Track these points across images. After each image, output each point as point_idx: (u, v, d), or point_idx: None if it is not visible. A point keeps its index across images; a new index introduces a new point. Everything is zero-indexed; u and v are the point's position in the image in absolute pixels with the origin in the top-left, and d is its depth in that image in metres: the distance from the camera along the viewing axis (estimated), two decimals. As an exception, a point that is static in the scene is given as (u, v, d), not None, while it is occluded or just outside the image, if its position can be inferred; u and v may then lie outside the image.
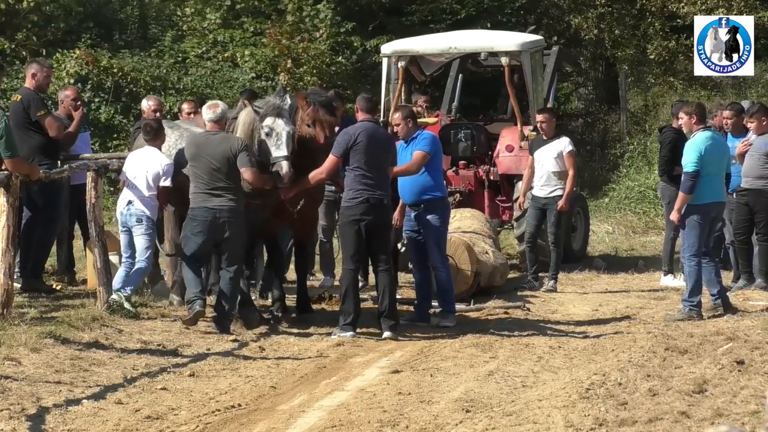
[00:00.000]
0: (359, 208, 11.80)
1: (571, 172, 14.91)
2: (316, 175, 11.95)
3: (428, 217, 12.59)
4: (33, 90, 13.41)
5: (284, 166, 11.62)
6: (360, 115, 12.15)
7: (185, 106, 14.81)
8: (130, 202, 12.27)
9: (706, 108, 13.57)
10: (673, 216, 12.74)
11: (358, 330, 11.91)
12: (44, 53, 24.32)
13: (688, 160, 12.57)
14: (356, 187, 11.82)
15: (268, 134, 11.76)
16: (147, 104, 14.50)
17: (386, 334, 11.80)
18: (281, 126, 11.73)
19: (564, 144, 15.00)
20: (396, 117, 12.82)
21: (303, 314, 12.73)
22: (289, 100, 11.97)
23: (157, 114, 14.07)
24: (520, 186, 15.58)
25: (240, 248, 11.87)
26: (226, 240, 11.73)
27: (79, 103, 14.32)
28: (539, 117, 15.29)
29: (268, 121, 11.78)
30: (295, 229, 12.87)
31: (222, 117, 11.98)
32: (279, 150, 11.69)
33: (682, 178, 12.66)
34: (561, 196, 14.85)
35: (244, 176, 11.65)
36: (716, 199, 12.84)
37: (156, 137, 12.50)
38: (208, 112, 12.06)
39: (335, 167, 11.93)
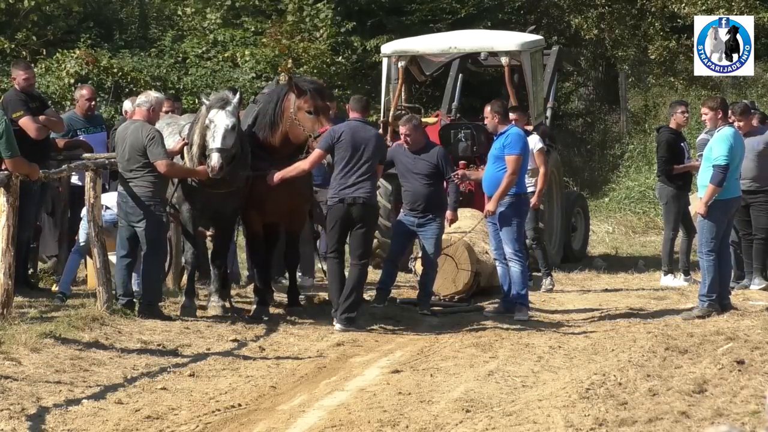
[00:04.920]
0: (338, 207, 12.08)
1: (542, 170, 14.78)
2: (299, 165, 12.24)
3: (502, 211, 12.84)
4: (20, 90, 13.13)
5: (214, 158, 11.86)
6: (351, 114, 12.51)
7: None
8: None
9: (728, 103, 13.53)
10: (700, 209, 12.56)
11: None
12: (44, 53, 24.32)
13: (720, 153, 12.38)
14: (336, 186, 12.13)
15: (208, 126, 12.02)
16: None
17: (337, 326, 11.91)
18: (221, 119, 11.96)
19: (534, 142, 14.81)
20: (486, 111, 13.07)
21: (292, 308, 12.89)
22: (237, 96, 12.19)
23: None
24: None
25: (155, 234, 11.99)
26: (139, 226, 11.95)
27: (93, 103, 14.54)
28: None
29: (211, 113, 12.05)
30: (285, 222, 12.92)
31: (145, 105, 12.16)
32: (213, 142, 11.93)
33: (713, 171, 12.35)
34: (533, 193, 14.75)
35: (158, 169, 11.87)
36: (737, 194, 12.85)
37: None
38: (135, 100, 12.40)
39: (319, 160, 12.26)
